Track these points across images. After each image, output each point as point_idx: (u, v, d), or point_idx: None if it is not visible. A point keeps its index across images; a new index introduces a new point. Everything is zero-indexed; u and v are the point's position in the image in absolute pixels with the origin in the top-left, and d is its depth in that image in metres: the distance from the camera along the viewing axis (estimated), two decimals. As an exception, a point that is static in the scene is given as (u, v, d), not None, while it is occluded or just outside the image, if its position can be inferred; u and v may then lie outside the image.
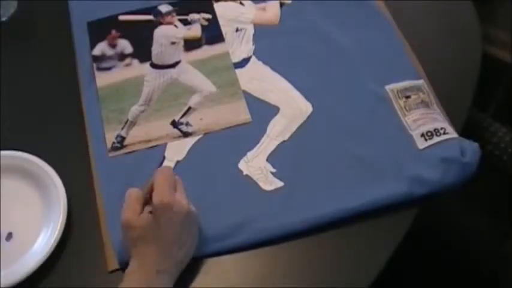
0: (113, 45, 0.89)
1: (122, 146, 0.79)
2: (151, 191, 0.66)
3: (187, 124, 0.81)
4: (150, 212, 0.65)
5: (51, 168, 0.75)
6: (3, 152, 0.77)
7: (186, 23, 0.91)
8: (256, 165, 0.76)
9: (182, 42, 0.89)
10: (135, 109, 0.83)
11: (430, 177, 0.73)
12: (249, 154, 0.77)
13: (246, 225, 0.72)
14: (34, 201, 0.75)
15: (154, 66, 0.87)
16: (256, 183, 0.75)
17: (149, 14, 0.92)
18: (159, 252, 0.64)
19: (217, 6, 0.93)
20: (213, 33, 0.90)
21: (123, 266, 0.67)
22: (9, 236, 0.72)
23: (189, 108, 0.82)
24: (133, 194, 0.66)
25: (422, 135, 0.77)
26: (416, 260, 0.89)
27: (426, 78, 0.83)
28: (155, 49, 0.89)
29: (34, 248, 0.70)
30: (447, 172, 0.73)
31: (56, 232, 0.70)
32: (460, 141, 0.76)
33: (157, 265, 0.63)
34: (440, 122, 0.78)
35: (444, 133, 0.76)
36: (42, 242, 0.71)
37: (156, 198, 0.64)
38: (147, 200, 0.67)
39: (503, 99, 1.43)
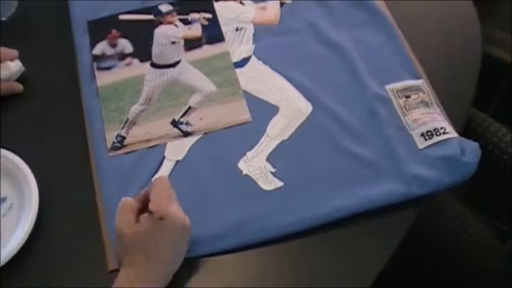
0: (113, 45, 0.89)
1: (122, 146, 0.79)
2: (146, 201, 0.65)
3: (187, 124, 0.81)
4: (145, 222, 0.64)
5: (25, 164, 0.75)
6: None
7: (186, 22, 0.91)
8: (256, 164, 0.76)
9: (182, 42, 0.89)
10: (135, 108, 0.83)
11: (430, 176, 0.73)
12: (249, 154, 0.77)
13: (246, 225, 0.72)
14: (11, 197, 0.75)
15: (154, 65, 0.87)
16: (255, 183, 0.75)
17: (149, 13, 0.92)
18: (150, 262, 0.63)
19: (217, 6, 0.93)
20: (213, 33, 0.90)
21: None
22: None
23: (189, 107, 0.82)
24: (127, 202, 0.66)
25: (422, 134, 0.77)
26: (416, 260, 0.89)
27: (426, 78, 0.83)
28: (155, 48, 0.89)
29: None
30: (447, 172, 0.73)
31: (26, 228, 0.71)
32: (459, 140, 0.76)
33: (148, 276, 0.63)
34: (440, 121, 0.78)
35: (444, 133, 0.77)
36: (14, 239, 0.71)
37: (153, 206, 0.63)
38: (141, 210, 0.66)
39: (503, 99, 1.43)
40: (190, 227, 0.67)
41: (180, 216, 0.65)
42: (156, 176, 0.76)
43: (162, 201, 0.64)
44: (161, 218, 0.63)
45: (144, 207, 0.66)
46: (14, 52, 0.85)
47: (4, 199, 0.75)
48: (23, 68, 0.85)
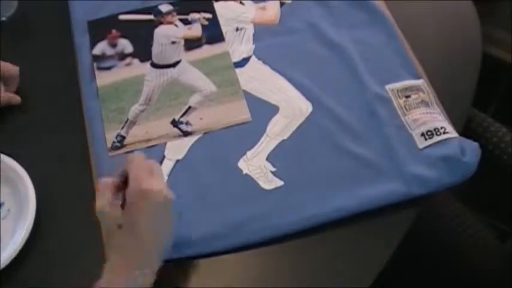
0: (113, 45, 0.89)
1: (122, 146, 0.79)
2: (125, 179, 0.63)
3: (187, 123, 0.81)
4: (125, 200, 0.62)
5: (22, 169, 0.75)
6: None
7: (186, 22, 0.91)
8: (256, 164, 0.76)
9: (182, 42, 0.89)
10: (135, 108, 0.83)
11: (430, 176, 0.73)
12: (249, 153, 0.77)
13: (246, 224, 0.72)
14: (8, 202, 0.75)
15: (154, 65, 0.87)
16: (256, 182, 0.75)
17: (149, 13, 0.92)
18: (136, 244, 0.61)
19: (217, 6, 0.93)
20: (213, 33, 0.90)
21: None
22: None
23: (189, 107, 0.82)
24: (105, 181, 0.63)
25: (422, 134, 0.77)
26: (416, 260, 0.89)
27: (426, 78, 0.83)
28: (155, 48, 0.89)
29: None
30: (447, 171, 0.73)
31: (23, 232, 0.71)
32: (460, 140, 0.76)
33: (136, 259, 0.60)
34: (440, 121, 0.78)
35: (444, 132, 0.77)
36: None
37: (132, 184, 0.61)
38: (120, 188, 0.63)
39: (503, 99, 1.43)
40: (171, 200, 0.63)
41: (160, 192, 0.62)
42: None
43: (141, 177, 0.62)
44: (141, 196, 0.61)
45: (124, 183, 0.63)
46: (16, 69, 0.84)
47: (2, 204, 0.75)
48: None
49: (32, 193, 0.73)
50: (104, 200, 0.62)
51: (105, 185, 0.63)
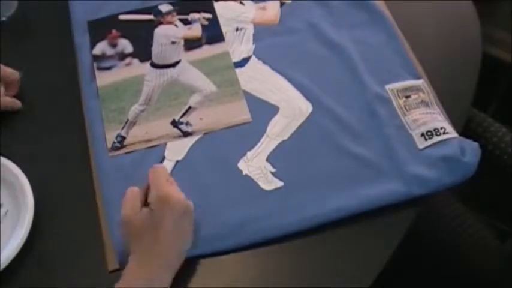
0: (113, 45, 0.89)
1: (122, 146, 0.79)
2: (148, 191, 0.67)
3: (187, 124, 0.81)
4: (149, 208, 0.66)
5: (19, 170, 0.75)
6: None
7: (186, 22, 0.91)
8: (256, 164, 0.76)
9: (182, 42, 0.89)
10: (135, 109, 0.83)
11: (430, 176, 0.73)
12: (249, 154, 0.77)
13: (246, 225, 0.72)
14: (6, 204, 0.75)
15: (154, 65, 0.87)
16: (256, 183, 0.75)
17: (149, 13, 0.92)
18: (159, 246, 0.64)
19: (217, 6, 0.93)
20: (213, 33, 0.90)
21: (123, 266, 0.67)
22: None
23: (189, 107, 0.82)
24: (133, 191, 0.67)
25: (422, 134, 0.77)
26: (416, 260, 0.89)
27: (426, 78, 0.83)
28: (155, 48, 0.89)
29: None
30: (447, 172, 0.73)
31: (22, 233, 0.71)
32: (460, 140, 0.76)
33: (157, 260, 0.64)
34: (440, 121, 0.78)
35: (444, 133, 0.77)
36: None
37: (153, 191, 0.66)
38: (146, 200, 0.68)
39: (503, 99, 1.43)
40: (191, 206, 0.68)
41: (180, 197, 0.66)
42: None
43: (161, 184, 0.66)
44: (163, 200, 0.65)
45: (147, 199, 0.68)
46: (16, 74, 0.83)
47: (2, 205, 0.75)
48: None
49: (29, 194, 0.73)
50: (130, 208, 0.66)
51: (134, 194, 0.67)
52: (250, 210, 0.73)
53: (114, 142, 0.80)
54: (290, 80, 0.84)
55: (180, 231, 0.66)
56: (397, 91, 0.82)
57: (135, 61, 0.88)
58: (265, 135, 0.79)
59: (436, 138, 0.76)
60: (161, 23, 0.91)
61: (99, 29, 0.91)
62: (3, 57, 0.87)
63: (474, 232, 0.94)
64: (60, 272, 0.70)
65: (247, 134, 0.79)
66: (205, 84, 0.85)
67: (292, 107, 0.81)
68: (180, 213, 0.66)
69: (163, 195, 0.65)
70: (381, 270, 0.68)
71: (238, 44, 0.89)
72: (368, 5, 0.91)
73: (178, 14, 0.92)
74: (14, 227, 0.72)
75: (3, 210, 0.74)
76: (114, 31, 0.91)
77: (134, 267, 0.64)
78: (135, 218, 0.65)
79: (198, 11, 0.92)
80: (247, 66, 0.86)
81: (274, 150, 0.78)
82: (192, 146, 0.79)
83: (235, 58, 0.87)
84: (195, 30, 0.90)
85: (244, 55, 0.87)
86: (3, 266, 0.69)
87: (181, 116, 0.82)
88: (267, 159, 0.77)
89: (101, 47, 0.89)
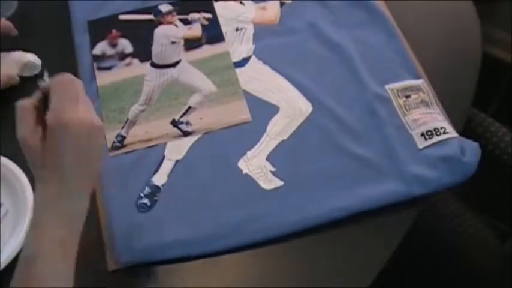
0: (113, 45, 0.89)
1: (122, 146, 0.79)
2: (46, 100, 0.58)
3: (187, 123, 0.81)
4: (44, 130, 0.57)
5: (19, 169, 0.75)
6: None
7: (186, 22, 0.91)
8: (256, 164, 0.76)
9: (182, 42, 0.89)
10: (135, 108, 0.83)
11: (430, 176, 0.73)
12: (249, 153, 0.77)
13: (246, 224, 0.72)
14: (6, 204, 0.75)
15: (154, 65, 0.87)
16: (256, 182, 0.75)
17: (149, 13, 0.92)
18: (61, 176, 0.56)
19: (217, 6, 0.93)
20: (213, 33, 0.90)
21: (123, 266, 0.67)
22: None
23: (189, 107, 0.82)
24: (26, 104, 0.58)
25: (422, 134, 0.77)
26: (416, 260, 0.89)
27: (426, 78, 0.83)
28: (155, 48, 0.89)
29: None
30: (447, 171, 0.73)
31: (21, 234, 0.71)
32: (460, 140, 0.76)
33: (63, 190, 0.57)
34: (440, 121, 0.78)
35: (444, 132, 0.77)
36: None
37: (50, 114, 0.56)
38: (41, 112, 0.58)
39: (503, 99, 1.43)
40: (99, 127, 0.59)
41: (84, 122, 0.57)
42: (156, 175, 0.76)
43: (61, 107, 0.57)
44: (60, 129, 0.56)
45: (46, 103, 0.58)
46: (15, 79, 0.83)
47: (2, 204, 0.75)
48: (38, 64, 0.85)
49: (29, 194, 0.73)
50: (25, 127, 0.57)
51: (24, 108, 0.58)
52: (250, 210, 0.73)
53: (114, 142, 0.80)
54: (290, 80, 0.84)
55: (85, 157, 0.57)
56: (397, 91, 0.82)
57: (135, 61, 0.88)
58: (265, 135, 0.79)
59: (436, 138, 0.76)
60: (161, 23, 0.91)
61: (99, 29, 0.91)
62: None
63: (474, 232, 0.94)
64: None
65: (247, 134, 0.79)
66: (205, 84, 0.85)
67: (292, 107, 0.81)
68: (83, 140, 0.57)
69: (62, 122, 0.56)
70: (381, 270, 0.68)
71: (238, 44, 0.89)
72: (368, 4, 0.91)
73: (178, 14, 0.92)
74: (14, 227, 0.72)
75: (3, 210, 0.74)
76: (114, 31, 0.91)
77: (39, 196, 0.57)
78: (32, 144, 0.57)
79: (198, 11, 0.92)
80: (247, 66, 0.86)
81: (274, 150, 0.78)
82: (192, 145, 0.79)
83: (235, 58, 0.87)
84: (195, 30, 0.90)
85: (244, 55, 0.87)
86: (3, 266, 0.69)
87: (181, 116, 0.82)
88: (267, 159, 0.77)
89: (101, 47, 0.89)
